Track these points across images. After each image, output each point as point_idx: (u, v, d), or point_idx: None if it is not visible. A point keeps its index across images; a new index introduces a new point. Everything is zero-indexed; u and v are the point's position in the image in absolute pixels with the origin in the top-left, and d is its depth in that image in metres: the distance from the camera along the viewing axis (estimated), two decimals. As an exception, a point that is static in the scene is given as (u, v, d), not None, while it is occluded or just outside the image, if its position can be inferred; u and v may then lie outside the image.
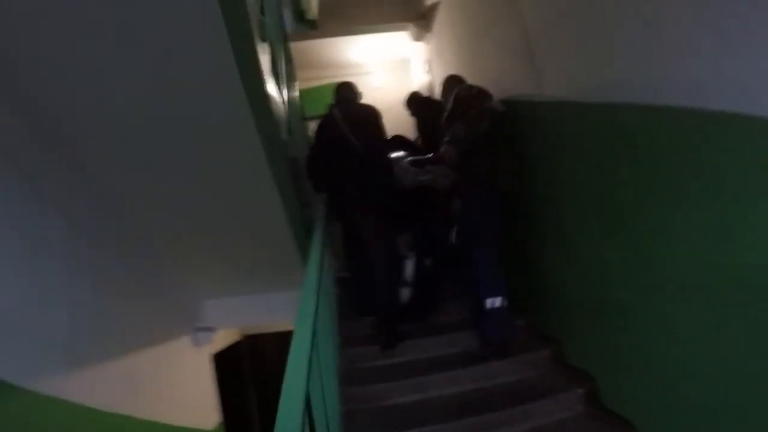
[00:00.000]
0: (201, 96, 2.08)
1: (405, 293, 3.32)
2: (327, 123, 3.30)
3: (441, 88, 3.53)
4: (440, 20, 4.90)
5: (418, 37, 5.54)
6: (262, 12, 2.09)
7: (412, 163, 3.42)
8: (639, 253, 2.00)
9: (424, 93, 4.53)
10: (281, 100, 2.73)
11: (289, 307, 2.48)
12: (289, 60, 3.40)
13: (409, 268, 3.36)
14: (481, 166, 2.88)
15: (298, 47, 5.53)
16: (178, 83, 2.02)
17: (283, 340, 2.24)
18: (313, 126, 3.69)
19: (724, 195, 1.57)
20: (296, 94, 3.86)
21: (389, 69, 6.88)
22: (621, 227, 2.09)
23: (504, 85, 3.20)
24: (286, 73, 3.13)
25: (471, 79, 3.72)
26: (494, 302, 2.73)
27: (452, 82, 3.42)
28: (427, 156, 3.40)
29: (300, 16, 5.61)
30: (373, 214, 3.08)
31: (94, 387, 2.56)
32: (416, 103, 3.95)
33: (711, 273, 1.64)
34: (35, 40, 1.73)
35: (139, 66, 1.91)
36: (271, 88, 2.28)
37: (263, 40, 1.94)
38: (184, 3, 1.61)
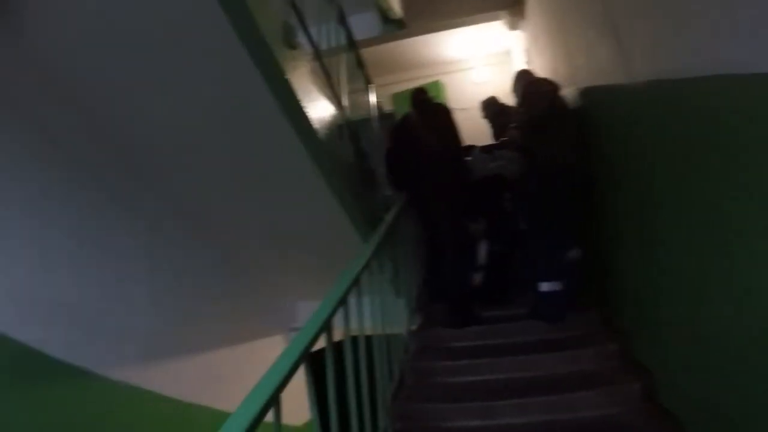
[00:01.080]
0: (240, 110, 2.12)
1: (477, 278, 3.44)
2: (403, 125, 3.48)
3: (513, 84, 3.35)
4: (532, 3, 4.47)
5: (513, 26, 5.14)
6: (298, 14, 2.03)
7: (482, 149, 3.67)
8: (752, 277, 1.45)
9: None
10: (340, 107, 2.68)
11: (382, 311, 2.53)
12: (358, 65, 3.37)
13: (482, 253, 3.49)
14: (541, 150, 2.84)
15: (386, 49, 5.49)
16: (217, 103, 2.09)
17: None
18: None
19: None
20: (372, 98, 3.83)
21: (490, 63, 6.49)
22: (729, 241, 1.56)
23: (590, 68, 2.80)
24: (350, 78, 3.10)
25: (562, 66, 3.39)
26: (544, 286, 2.84)
27: (521, 77, 3.38)
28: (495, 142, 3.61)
29: (385, 16, 5.53)
30: (449, 205, 3.21)
31: (172, 378, 2.77)
32: (491, 107, 3.81)
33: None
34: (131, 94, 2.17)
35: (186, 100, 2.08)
36: (313, 95, 2.23)
37: (292, 47, 1.87)
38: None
